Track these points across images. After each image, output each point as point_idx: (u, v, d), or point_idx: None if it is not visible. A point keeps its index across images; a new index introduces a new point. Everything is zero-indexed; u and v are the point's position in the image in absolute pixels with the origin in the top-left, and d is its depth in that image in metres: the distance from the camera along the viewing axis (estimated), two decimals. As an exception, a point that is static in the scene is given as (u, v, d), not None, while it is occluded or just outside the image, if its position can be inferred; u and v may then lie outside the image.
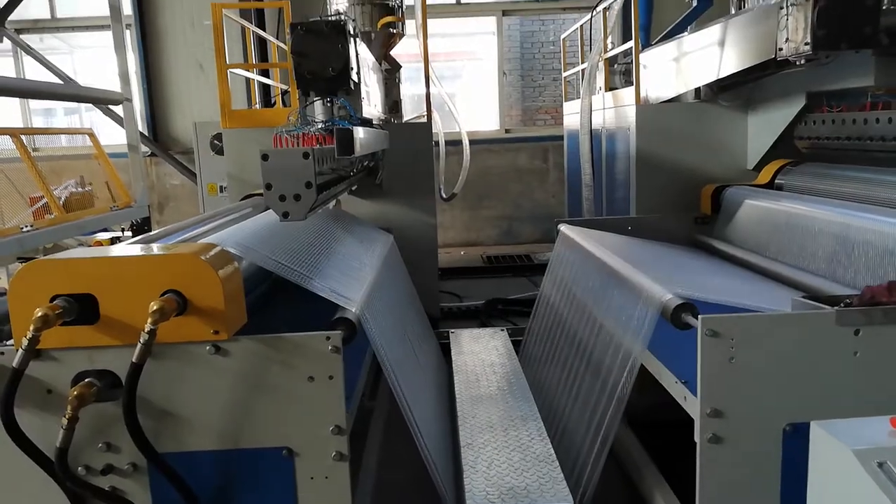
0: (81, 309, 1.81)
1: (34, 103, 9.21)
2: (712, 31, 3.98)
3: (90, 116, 9.62)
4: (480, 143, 8.51)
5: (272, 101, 6.89)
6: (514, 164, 9.06)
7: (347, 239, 3.28)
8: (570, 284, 3.43)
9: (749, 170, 4.35)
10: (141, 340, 1.72)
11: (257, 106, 5.46)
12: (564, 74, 7.01)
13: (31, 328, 1.71)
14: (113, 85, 5.74)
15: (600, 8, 5.33)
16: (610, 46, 5.49)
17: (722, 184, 4.15)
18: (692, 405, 2.00)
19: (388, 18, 4.86)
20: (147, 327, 1.72)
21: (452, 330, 4.12)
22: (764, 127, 4.20)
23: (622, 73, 5.70)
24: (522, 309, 5.67)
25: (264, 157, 1.98)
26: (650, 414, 3.05)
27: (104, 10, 8.68)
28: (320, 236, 3.01)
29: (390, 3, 4.85)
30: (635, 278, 2.48)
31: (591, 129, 5.36)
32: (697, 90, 4.40)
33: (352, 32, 2.84)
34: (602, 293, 2.86)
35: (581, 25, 6.09)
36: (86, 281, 1.80)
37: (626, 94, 4.84)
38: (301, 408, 1.90)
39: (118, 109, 7.76)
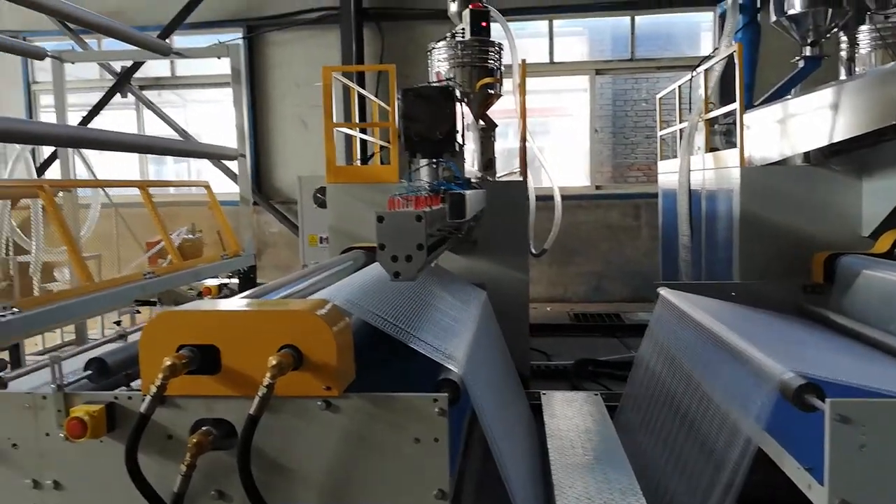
0: (204, 359, 1.89)
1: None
2: (824, 95, 3.85)
3: (197, 164, 10.29)
4: (570, 198, 8.48)
5: (368, 157, 7.15)
6: (605, 221, 8.96)
7: (444, 295, 3.31)
8: (673, 352, 3.31)
9: (864, 237, 4.11)
10: (259, 394, 1.78)
11: (357, 162, 5.67)
12: (660, 133, 6.92)
13: (160, 376, 1.80)
14: (221, 135, 6.16)
15: (701, 69, 5.27)
16: (710, 107, 5.40)
17: (834, 251, 3.94)
18: (818, 495, 1.87)
19: (487, 80, 4.99)
20: (266, 381, 1.77)
21: (544, 392, 4.05)
22: (881, 193, 3.98)
23: (722, 133, 5.58)
24: (614, 372, 5.52)
25: (379, 219, 2.04)
26: (760, 492, 2.86)
27: (217, 70, 9.40)
28: (419, 292, 3.05)
29: (489, 64, 4.98)
30: (749, 352, 2.36)
31: (689, 189, 5.24)
32: (806, 153, 4.24)
33: (458, 97, 2.92)
34: (711, 365, 2.75)
35: (679, 85, 6.03)
36: (210, 333, 1.89)
37: (729, 156, 4.72)
38: (406, 469, 1.90)
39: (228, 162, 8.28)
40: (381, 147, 5.73)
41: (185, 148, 3.39)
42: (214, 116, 9.88)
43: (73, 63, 4.36)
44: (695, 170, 5.37)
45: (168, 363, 1.81)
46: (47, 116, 10.05)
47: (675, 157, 6.75)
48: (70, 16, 3.10)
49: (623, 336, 7.09)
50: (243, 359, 1.89)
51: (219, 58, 4.16)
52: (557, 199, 5.84)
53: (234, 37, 9.20)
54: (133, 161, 9.96)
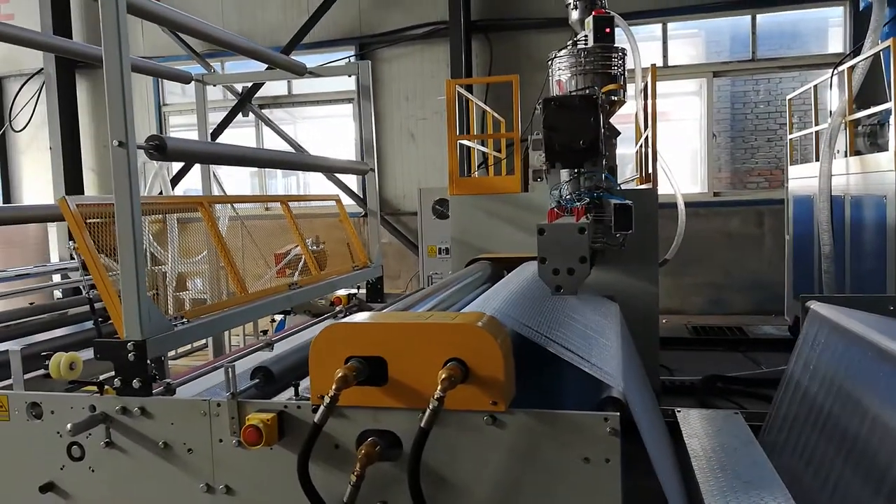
0: (372, 370, 1.91)
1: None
2: None
3: (305, 178, 10.75)
4: (686, 205, 8.14)
5: (479, 165, 7.16)
6: (724, 229, 8.54)
7: (583, 307, 3.22)
8: (832, 370, 3.07)
9: None
10: (430, 407, 1.77)
11: (476, 173, 5.70)
12: (791, 136, 6.52)
13: (334, 387, 1.83)
14: (328, 149, 6.29)
15: (843, 67, 4.92)
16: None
17: None
18: None
19: (611, 86, 4.86)
20: (437, 394, 1.77)
21: (678, 409, 3.86)
22: None
23: (866, 135, 5.18)
24: (745, 389, 5.22)
25: (540, 231, 2.00)
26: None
27: (330, 88, 9.73)
28: (558, 304, 2.98)
29: (612, 71, 4.85)
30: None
31: (830, 196, 4.89)
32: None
33: (600, 105, 2.84)
34: (885, 387, 2.52)
35: (815, 85, 5.66)
36: (377, 344, 1.91)
37: (879, 160, 4.36)
38: (574, 490, 1.84)
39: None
40: (498, 157, 5.70)
41: (321, 164, 3.51)
42: (322, 132, 10.26)
43: (214, 85, 4.61)
44: (836, 175, 5.01)
45: (340, 374, 1.85)
46: (180, 135, 10.77)
47: (808, 161, 6.34)
48: (219, 39, 3.27)
49: (748, 351, 6.70)
50: (410, 371, 1.90)
51: (349, 76, 4.27)
52: (681, 206, 5.60)
53: (346, 55, 9.52)
54: (241, 175, 10.54)
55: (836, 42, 8.35)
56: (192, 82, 4.20)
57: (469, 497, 1.90)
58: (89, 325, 4.29)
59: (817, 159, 5.82)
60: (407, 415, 1.92)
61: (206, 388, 2.52)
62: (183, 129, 10.73)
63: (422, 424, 1.78)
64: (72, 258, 4.51)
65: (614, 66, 4.88)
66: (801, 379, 3.44)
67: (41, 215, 3.07)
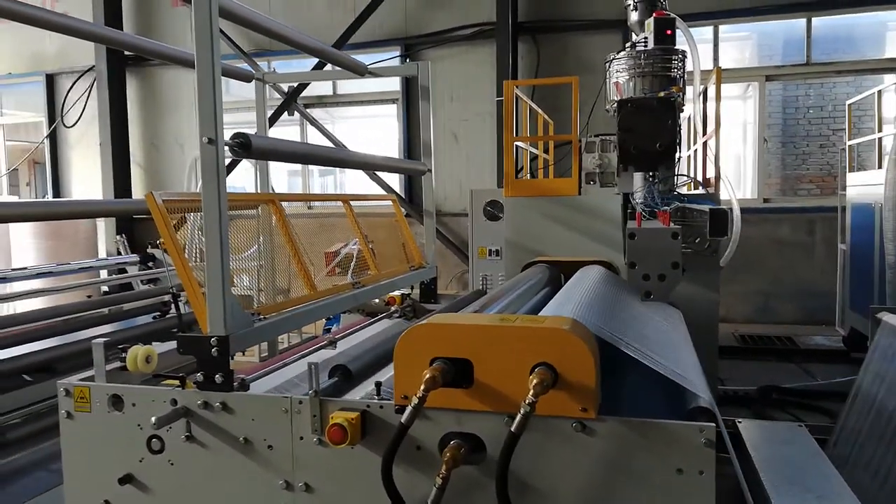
0: (457, 372, 1.90)
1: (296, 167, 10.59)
2: None
3: (341, 177, 10.84)
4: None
5: (518, 170, 7.11)
6: (774, 236, 8.36)
7: (651, 314, 3.17)
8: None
9: None
10: (521, 411, 1.74)
11: (528, 175, 5.67)
12: (849, 143, 6.35)
13: (422, 388, 1.82)
14: (366, 147, 6.23)
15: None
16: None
17: None
18: None
19: (672, 89, 4.78)
20: (528, 399, 1.74)
21: (739, 420, 3.78)
22: None
23: (935, 141, 5.02)
24: (802, 401, 5.09)
25: (631, 236, 1.96)
26: None
27: (372, 88, 9.77)
28: (626, 308, 2.93)
29: (672, 73, 4.78)
30: None
31: (896, 205, 4.74)
32: None
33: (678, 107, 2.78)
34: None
35: (880, 90, 5.51)
36: (464, 346, 1.89)
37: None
38: (665, 502, 1.79)
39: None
40: (549, 160, 5.65)
41: (385, 164, 3.51)
42: (360, 132, 10.32)
43: (272, 84, 4.65)
44: (900, 182, 4.86)
45: (429, 375, 1.83)
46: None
47: (864, 169, 6.18)
48: (287, 38, 3.28)
49: (801, 362, 6.55)
50: (496, 374, 1.87)
51: (408, 77, 4.26)
52: (737, 211, 5.49)
53: (392, 55, 9.54)
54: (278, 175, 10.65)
55: (893, 46, 8.12)
56: (253, 81, 4.24)
57: (555, 504, 1.87)
58: (144, 319, 4.37)
59: (879, 167, 5.67)
60: (492, 419, 1.90)
61: (275, 385, 2.53)
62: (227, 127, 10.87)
63: (512, 429, 1.76)
64: (146, 256, 4.59)
65: (674, 68, 4.80)
66: (872, 391, 3.34)
67: (119, 209, 3.11)
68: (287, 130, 10.23)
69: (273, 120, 9.53)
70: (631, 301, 3.29)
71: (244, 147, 2.24)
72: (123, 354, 2.44)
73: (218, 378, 2.12)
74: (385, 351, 2.59)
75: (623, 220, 3.90)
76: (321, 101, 10.11)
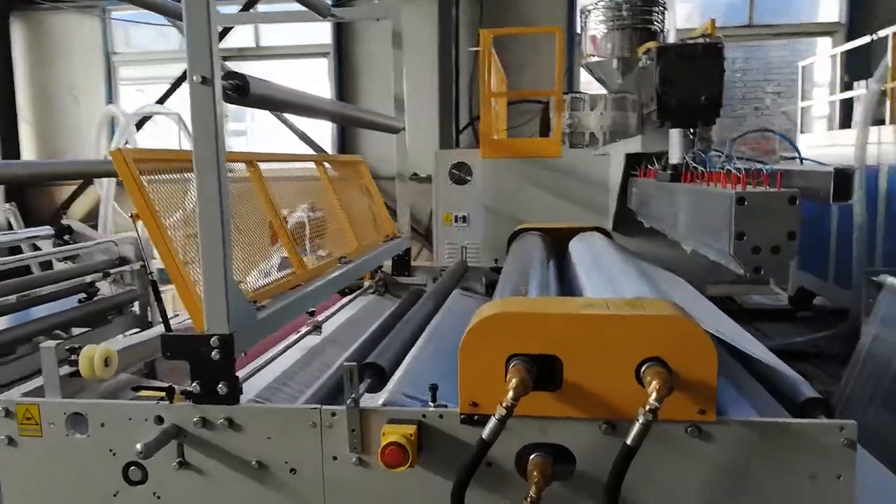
0: (541, 372, 1.53)
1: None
2: None
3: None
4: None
5: (461, 129, 6.69)
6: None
7: (686, 286, 2.90)
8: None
9: None
10: (640, 419, 1.41)
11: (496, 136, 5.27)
12: (803, 104, 6.38)
13: (511, 395, 1.45)
14: None
15: (886, 31, 4.73)
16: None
17: None
18: None
19: (650, 44, 4.51)
20: (650, 404, 1.40)
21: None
22: None
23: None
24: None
25: (740, 201, 1.64)
26: None
27: (300, 41, 9.01)
28: (679, 287, 2.65)
29: (653, 27, 4.51)
30: None
31: (865, 167, 4.74)
32: None
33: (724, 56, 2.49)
34: None
35: (843, 52, 5.48)
36: (551, 340, 1.53)
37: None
38: (797, 513, 1.52)
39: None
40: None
41: (361, 117, 3.01)
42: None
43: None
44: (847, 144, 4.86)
45: (517, 379, 1.46)
46: (126, 89, 9.83)
47: (822, 130, 6.22)
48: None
49: (749, 321, 6.62)
50: (592, 373, 1.53)
51: (378, 20, 3.76)
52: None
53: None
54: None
55: (828, 10, 8.24)
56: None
57: (661, 523, 1.56)
58: (56, 305, 3.66)
59: (829, 129, 5.69)
60: (584, 426, 1.56)
61: (263, 387, 2.08)
62: (129, 83, 9.81)
63: (628, 441, 1.42)
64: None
65: (655, 21, 4.54)
66: (878, 355, 3.26)
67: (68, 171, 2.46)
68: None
69: (182, 78, 8.64)
70: (653, 272, 3.02)
71: (240, 91, 1.75)
72: (73, 357, 1.92)
73: (221, 388, 1.65)
74: (402, 339, 2.18)
75: (623, 182, 3.62)
76: (242, 54, 9.24)
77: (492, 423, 1.46)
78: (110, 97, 9.54)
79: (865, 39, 5.00)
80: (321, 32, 8.92)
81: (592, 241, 3.19)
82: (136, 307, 4.07)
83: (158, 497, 1.72)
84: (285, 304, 2.05)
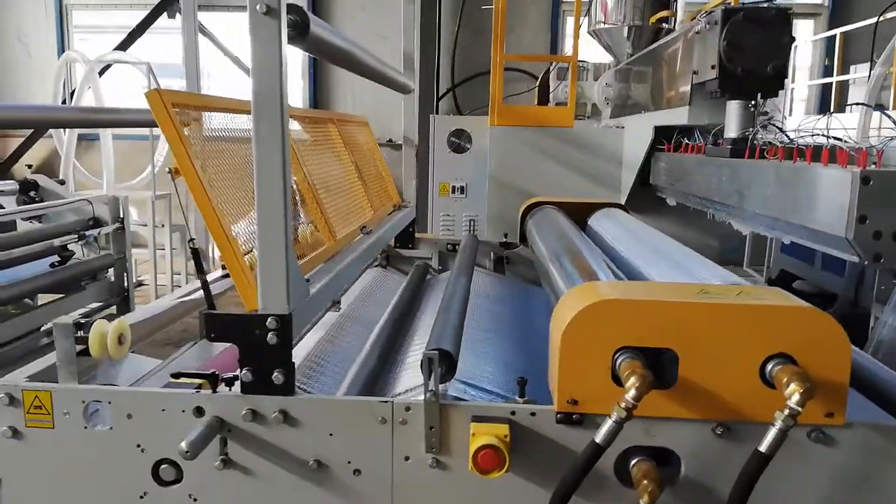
0: (653, 367, 1.36)
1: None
2: None
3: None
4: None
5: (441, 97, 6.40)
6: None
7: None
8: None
9: None
10: (778, 425, 1.25)
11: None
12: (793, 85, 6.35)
13: (632, 394, 1.26)
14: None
15: (892, 14, 4.68)
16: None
17: None
18: None
19: (664, 13, 4.35)
20: (792, 407, 1.24)
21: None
22: None
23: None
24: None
25: (865, 180, 1.48)
26: None
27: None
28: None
29: (666, -5, 4.34)
30: None
31: (865, 150, 4.71)
32: None
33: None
34: None
35: (842, 32, 5.43)
36: (667, 332, 1.35)
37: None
38: (921, 526, 1.40)
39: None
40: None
41: (378, 70, 2.73)
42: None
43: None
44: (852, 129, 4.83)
45: (636, 376, 1.28)
46: (80, 36, 9.14)
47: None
48: None
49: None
50: (709, 368, 1.36)
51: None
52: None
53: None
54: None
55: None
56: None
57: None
58: (30, 269, 3.31)
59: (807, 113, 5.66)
60: (695, 428, 1.40)
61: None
62: (86, 31, 9.12)
63: (762, 449, 1.26)
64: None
65: (669, -11, 4.37)
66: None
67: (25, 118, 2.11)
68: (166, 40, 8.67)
69: (149, 23, 8.06)
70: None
71: (299, 29, 1.48)
72: (81, 333, 1.65)
73: (277, 377, 1.42)
74: (453, 323, 1.96)
75: (647, 156, 3.46)
76: (210, 4, 8.64)
77: (608, 424, 1.28)
78: (63, 46, 8.85)
79: (870, 21, 4.93)
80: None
81: (623, 220, 3.03)
82: (110, 273, 3.73)
83: (195, 500, 1.49)
84: (329, 278, 1.81)
